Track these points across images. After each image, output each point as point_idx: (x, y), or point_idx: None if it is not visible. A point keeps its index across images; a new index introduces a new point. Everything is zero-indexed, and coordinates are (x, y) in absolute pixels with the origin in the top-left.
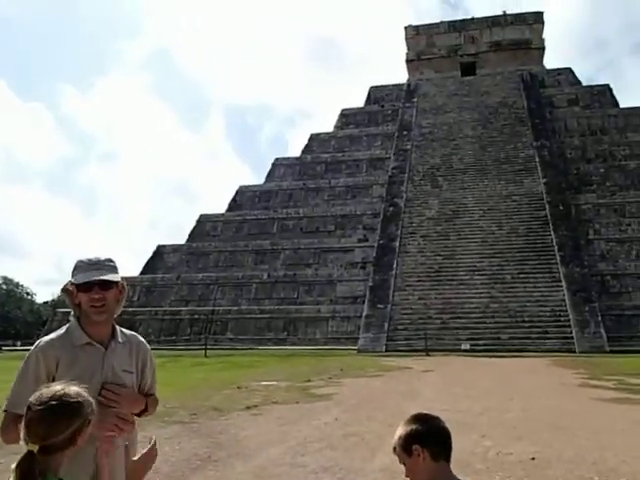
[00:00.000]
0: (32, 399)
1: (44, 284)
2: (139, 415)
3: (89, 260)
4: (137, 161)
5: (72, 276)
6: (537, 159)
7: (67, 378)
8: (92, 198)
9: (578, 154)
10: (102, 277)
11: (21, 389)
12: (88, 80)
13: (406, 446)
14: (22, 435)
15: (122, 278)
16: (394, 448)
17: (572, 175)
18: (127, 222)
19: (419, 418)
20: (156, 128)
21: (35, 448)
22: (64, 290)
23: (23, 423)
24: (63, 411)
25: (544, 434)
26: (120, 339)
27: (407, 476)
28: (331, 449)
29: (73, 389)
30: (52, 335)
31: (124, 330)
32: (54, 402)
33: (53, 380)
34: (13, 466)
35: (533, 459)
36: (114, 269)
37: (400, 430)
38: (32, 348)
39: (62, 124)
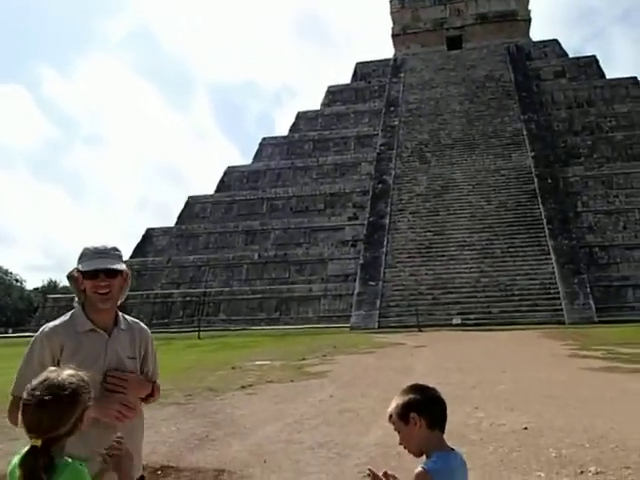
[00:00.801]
0: (26, 394)
1: (33, 270)
2: (145, 400)
3: (95, 248)
4: (123, 143)
5: (78, 263)
6: (525, 132)
7: (71, 364)
8: (79, 182)
9: (565, 127)
10: (108, 266)
11: (27, 374)
12: (67, 61)
13: (403, 414)
14: (25, 429)
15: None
16: (390, 416)
17: (560, 148)
18: (115, 205)
19: (417, 388)
20: (140, 109)
21: (38, 443)
22: (69, 277)
23: (21, 415)
24: (62, 403)
25: (535, 404)
26: (123, 326)
27: (401, 443)
28: (327, 425)
29: (66, 376)
30: (56, 321)
31: (126, 316)
32: (51, 396)
33: (58, 364)
34: (15, 461)
35: (525, 429)
36: (119, 258)
37: (397, 399)
38: (37, 334)
39: (44, 107)
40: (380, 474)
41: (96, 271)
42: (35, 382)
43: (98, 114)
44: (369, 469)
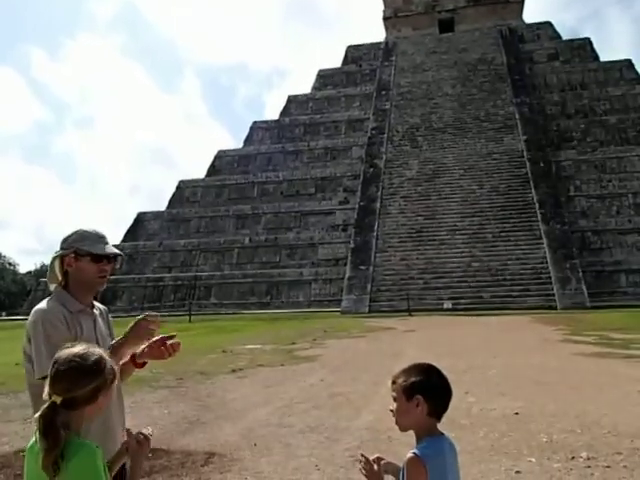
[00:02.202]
0: (57, 356)
1: (26, 254)
2: (143, 366)
3: (96, 232)
4: (114, 126)
5: (77, 245)
6: (517, 116)
7: (77, 337)
8: (70, 165)
9: (558, 110)
10: (119, 252)
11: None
12: (56, 43)
13: (409, 391)
14: (46, 390)
15: None
16: (393, 381)
17: (552, 131)
18: (106, 189)
19: (433, 372)
20: (130, 91)
21: (58, 400)
22: (62, 256)
23: (48, 378)
24: (85, 368)
25: (527, 390)
26: (95, 306)
27: (393, 412)
28: (317, 409)
29: (96, 350)
30: (48, 304)
31: None
32: (77, 359)
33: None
34: (37, 415)
35: (516, 414)
36: None
37: (410, 372)
38: (37, 316)
39: (34, 89)
40: (372, 458)
41: (115, 255)
42: (66, 349)
43: (88, 96)
44: (362, 455)
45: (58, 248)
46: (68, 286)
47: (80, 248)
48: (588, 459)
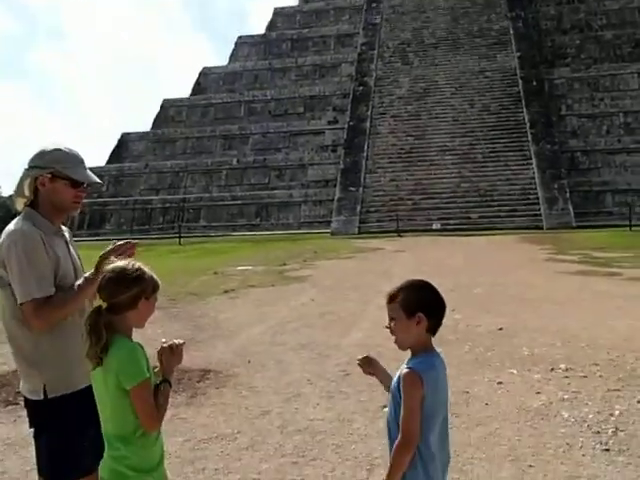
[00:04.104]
0: (104, 269)
1: (7, 176)
2: None
3: (76, 156)
4: (89, 39)
5: (57, 167)
6: (511, 31)
7: (53, 260)
8: (47, 82)
9: (554, 25)
10: (99, 181)
11: (44, 271)
12: None
13: (411, 309)
14: (97, 297)
15: None
16: (391, 299)
17: (547, 48)
18: (87, 107)
19: (431, 289)
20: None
21: (104, 305)
22: (37, 175)
23: (97, 288)
24: (125, 277)
25: (511, 307)
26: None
27: (390, 329)
28: (308, 328)
29: (136, 264)
30: (19, 226)
31: None
32: (119, 270)
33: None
34: (85, 319)
35: (500, 329)
36: None
37: (410, 290)
38: (14, 238)
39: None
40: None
41: (96, 184)
42: (112, 264)
43: (60, 4)
44: (368, 356)
45: (30, 161)
46: (38, 206)
47: (60, 170)
48: (566, 370)
